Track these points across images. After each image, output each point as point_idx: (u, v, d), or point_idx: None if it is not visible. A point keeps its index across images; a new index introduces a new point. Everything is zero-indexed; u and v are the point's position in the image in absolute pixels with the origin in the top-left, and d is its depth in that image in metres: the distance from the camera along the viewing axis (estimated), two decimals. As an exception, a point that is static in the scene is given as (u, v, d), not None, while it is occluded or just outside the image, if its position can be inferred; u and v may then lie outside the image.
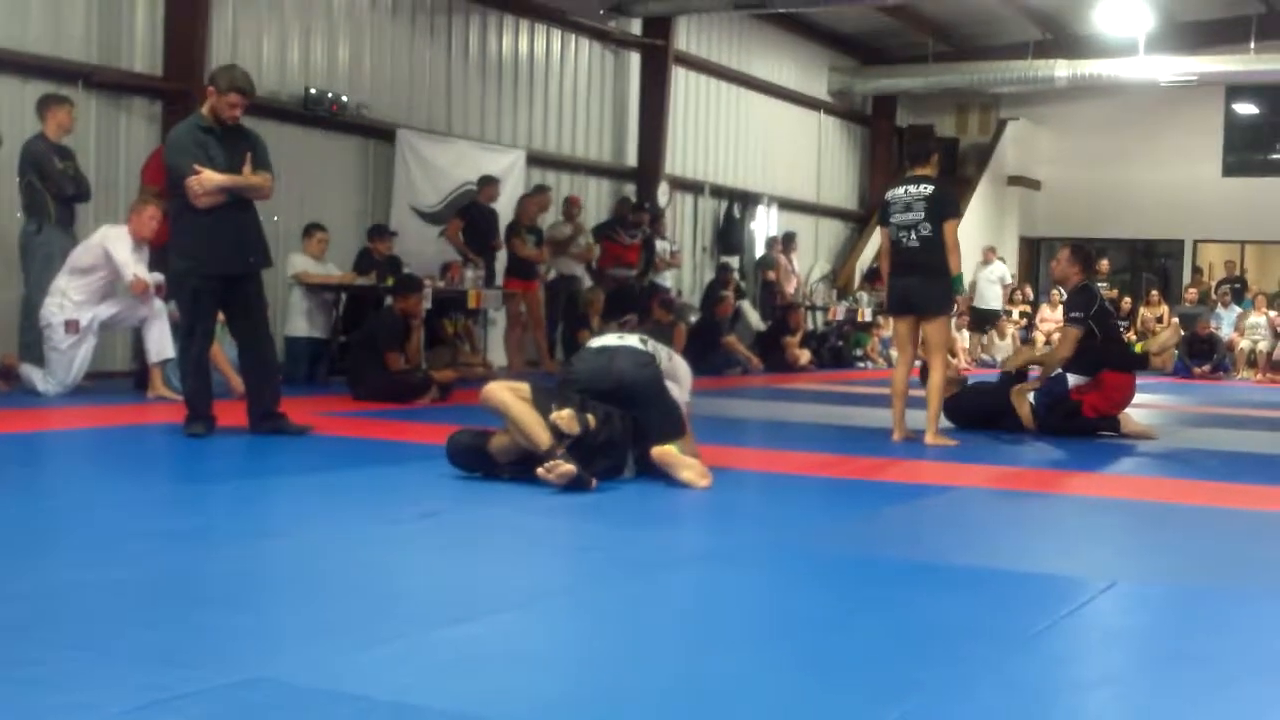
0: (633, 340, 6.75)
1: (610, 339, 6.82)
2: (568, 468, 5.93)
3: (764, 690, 3.11)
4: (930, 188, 8.57)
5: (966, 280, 21.93)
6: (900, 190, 8.68)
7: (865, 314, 20.22)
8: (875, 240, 22.90)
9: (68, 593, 3.83)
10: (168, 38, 12.00)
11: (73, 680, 2.96)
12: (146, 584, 4.02)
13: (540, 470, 5.96)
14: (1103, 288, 21.93)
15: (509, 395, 6.25)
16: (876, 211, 8.89)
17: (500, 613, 3.80)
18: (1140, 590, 4.53)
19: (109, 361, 11.33)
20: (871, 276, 21.88)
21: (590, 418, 6.17)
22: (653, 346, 6.79)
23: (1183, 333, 20.66)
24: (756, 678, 3.21)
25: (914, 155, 9.03)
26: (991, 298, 22.01)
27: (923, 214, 8.49)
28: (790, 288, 19.79)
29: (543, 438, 6.04)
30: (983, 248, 22.18)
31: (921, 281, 8.55)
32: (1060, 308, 20.75)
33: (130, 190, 11.21)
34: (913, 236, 8.53)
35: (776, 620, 3.90)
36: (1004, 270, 22.38)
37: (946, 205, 8.64)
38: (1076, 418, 9.34)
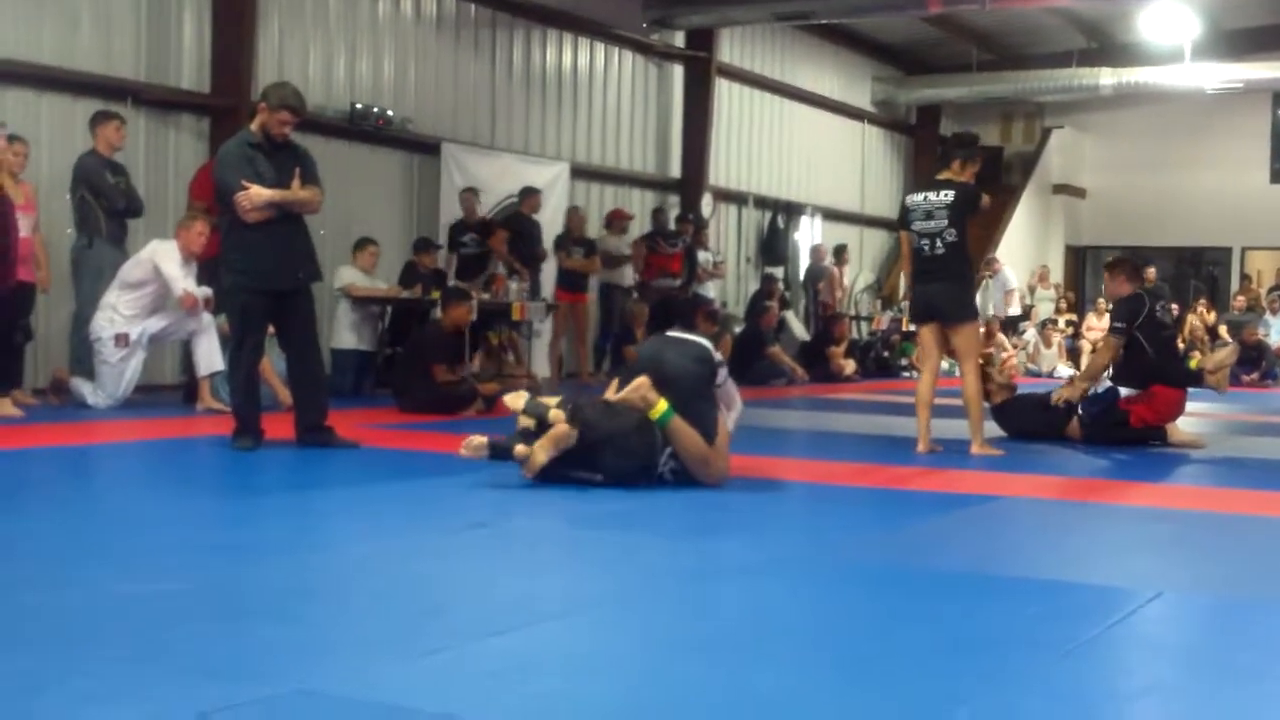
0: (702, 340, 6.87)
1: (679, 332, 7.00)
2: (479, 440, 6.43)
3: (810, 702, 3.11)
4: (951, 193, 8.41)
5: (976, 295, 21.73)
6: (920, 197, 8.53)
7: (910, 323, 20.11)
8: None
9: (117, 605, 3.87)
10: (215, 55, 12.14)
11: (121, 693, 3.00)
12: (195, 596, 4.05)
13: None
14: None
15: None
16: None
17: (547, 623, 3.82)
18: (1188, 600, 4.50)
19: (158, 375, 11.45)
20: (915, 287, 21.78)
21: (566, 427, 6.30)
22: (719, 358, 6.82)
23: (1212, 339, 20.53)
24: (802, 689, 3.22)
25: (940, 158, 8.94)
26: (996, 306, 21.78)
27: (946, 221, 8.34)
28: (834, 298, 19.78)
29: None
30: (985, 259, 21.94)
31: (944, 288, 8.43)
32: (1105, 315, 20.72)
33: (179, 206, 11.33)
34: (937, 245, 8.38)
35: (822, 631, 3.90)
36: (1009, 277, 22.13)
37: (967, 204, 8.43)
38: (1123, 427, 9.29)
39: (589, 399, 6.66)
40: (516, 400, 6.39)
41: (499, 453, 6.36)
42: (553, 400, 6.49)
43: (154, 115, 11.85)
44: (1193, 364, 9.89)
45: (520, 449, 6.28)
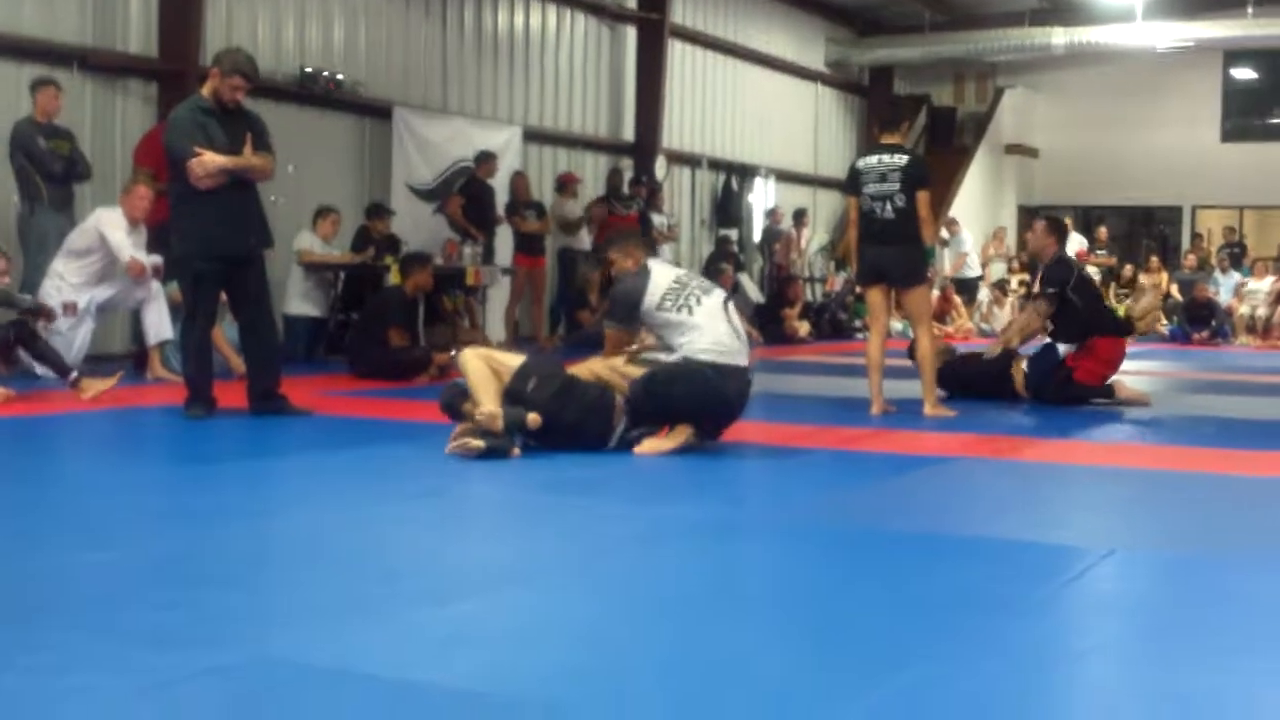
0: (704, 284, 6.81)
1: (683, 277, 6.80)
2: (475, 444, 6.09)
3: (765, 662, 3.13)
4: (904, 157, 8.44)
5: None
6: (873, 159, 8.51)
7: (858, 286, 20.14)
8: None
9: (71, 575, 3.85)
10: (162, 19, 11.99)
11: (78, 663, 2.99)
12: (149, 565, 4.04)
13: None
14: (1102, 255, 22.01)
15: (476, 363, 6.40)
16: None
17: (502, 588, 3.82)
18: (1140, 558, 4.55)
19: (108, 344, 11.34)
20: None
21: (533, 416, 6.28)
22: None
23: (1167, 296, 20.66)
24: (757, 650, 3.23)
25: (885, 123, 8.92)
26: (963, 267, 21.87)
27: (898, 184, 8.32)
28: (789, 260, 19.80)
29: (485, 406, 6.21)
30: (945, 220, 22.00)
31: (896, 252, 8.41)
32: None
33: (126, 172, 11.19)
34: (887, 208, 8.36)
35: (777, 592, 3.92)
36: (965, 239, 22.16)
37: (921, 175, 8.44)
38: (1070, 385, 9.36)
39: (547, 369, 6.62)
40: (495, 421, 6.18)
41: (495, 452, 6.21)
42: (513, 383, 6.42)
43: (101, 81, 11.70)
44: (1120, 310, 10.06)
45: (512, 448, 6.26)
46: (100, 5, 11.65)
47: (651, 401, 6.44)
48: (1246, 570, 4.34)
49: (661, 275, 6.69)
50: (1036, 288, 10.35)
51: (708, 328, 6.48)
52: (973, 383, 9.63)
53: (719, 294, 6.73)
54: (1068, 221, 19.85)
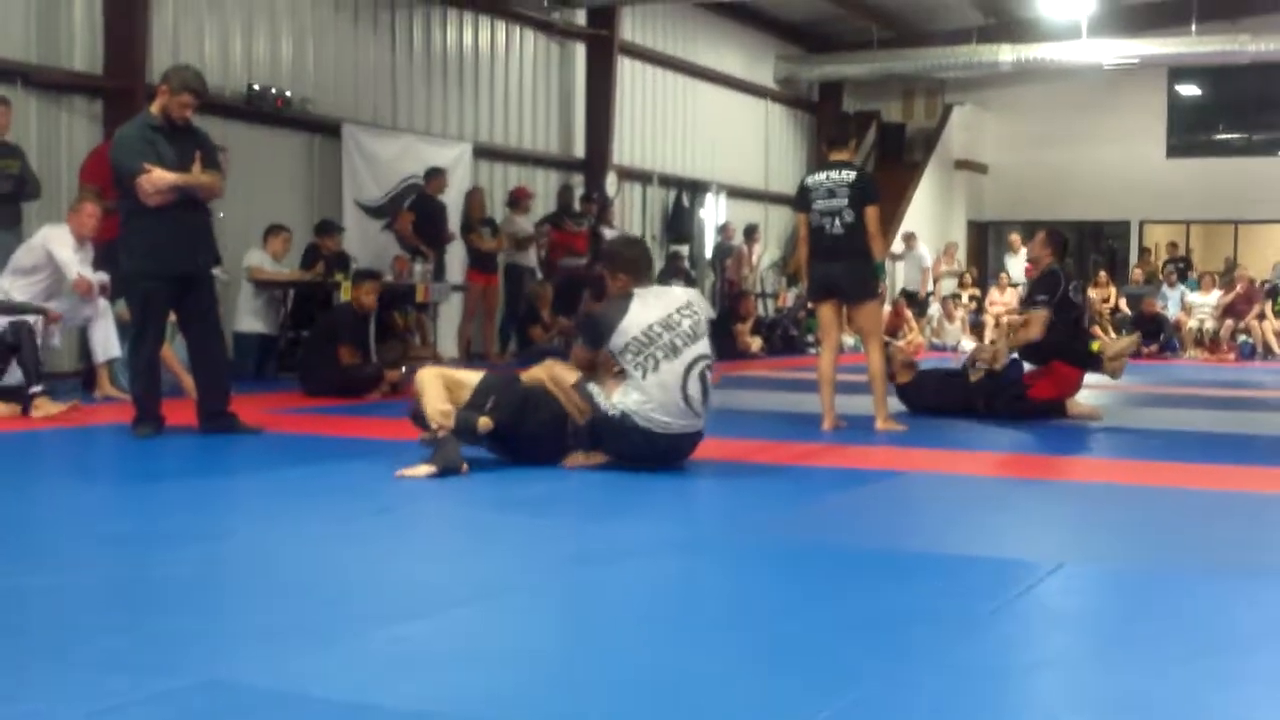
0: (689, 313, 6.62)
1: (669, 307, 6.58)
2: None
3: (715, 680, 3.13)
4: (852, 173, 8.47)
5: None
6: (822, 176, 8.56)
7: (809, 302, 20.23)
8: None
9: (17, 599, 3.80)
10: (108, 36, 11.90)
11: (25, 689, 2.95)
12: (98, 588, 4.00)
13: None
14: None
15: (430, 376, 6.50)
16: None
17: (455, 608, 3.80)
18: (1088, 572, 4.57)
19: (56, 362, 11.23)
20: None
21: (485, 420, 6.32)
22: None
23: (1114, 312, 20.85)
24: (708, 668, 3.23)
25: (833, 140, 8.94)
26: (913, 282, 22.12)
27: (846, 200, 8.37)
28: (740, 275, 19.87)
29: (434, 419, 6.30)
30: (903, 234, 22.21)
31: (845, 268, 8.45)
32: (1008, 290, 21.02)
33: (72, 190, 11.11)
34: (836, 224, 8.40)
35: (727, 610, 3.92)
36: (925, 254, 22.36)
37: (869, 191, 8.48)
38: (1023, 400, 9.42)
39: (504, 384, 6.60)
40: (448, 419, 6.26)
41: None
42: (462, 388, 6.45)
43: (46, 98, 11.60)
44: (1094, 347, 10.00)
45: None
46: (44, 21, 11.56)
47: (593, 443, 6.54)
48: (1193, 582, 4.37)
49: (640, 315, 6.41)
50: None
51: (655, 396, 6.35)
52: (930, 397, 9.66)
53: (688, 355, 6.41)
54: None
